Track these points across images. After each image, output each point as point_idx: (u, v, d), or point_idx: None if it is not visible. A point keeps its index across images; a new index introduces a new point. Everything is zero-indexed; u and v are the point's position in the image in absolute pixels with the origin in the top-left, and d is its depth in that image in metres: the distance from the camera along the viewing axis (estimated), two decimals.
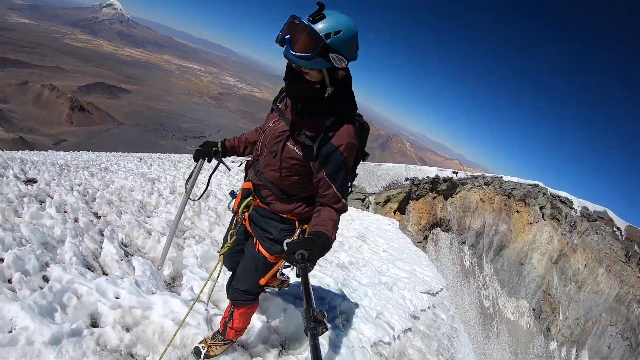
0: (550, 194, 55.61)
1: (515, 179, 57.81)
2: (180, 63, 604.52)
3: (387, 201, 43.00)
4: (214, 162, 3.36)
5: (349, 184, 2.75)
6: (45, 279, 3.76)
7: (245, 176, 3.14)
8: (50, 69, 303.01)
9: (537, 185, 56.47)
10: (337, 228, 2.54)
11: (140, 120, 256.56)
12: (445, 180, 53.10)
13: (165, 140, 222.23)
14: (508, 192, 56.78)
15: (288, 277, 4.13)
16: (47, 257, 4.09)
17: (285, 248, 2.58)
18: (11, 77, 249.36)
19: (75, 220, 5.88)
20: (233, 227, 3.07)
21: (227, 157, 3.35)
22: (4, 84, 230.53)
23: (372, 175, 47.31)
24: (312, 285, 5.89)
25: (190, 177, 3.38)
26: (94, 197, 7.59)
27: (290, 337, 4.12)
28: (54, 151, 27.98)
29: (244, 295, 3.05)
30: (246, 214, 2.96)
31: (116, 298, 3.49)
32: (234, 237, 3.03)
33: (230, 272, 3.34)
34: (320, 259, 8.75)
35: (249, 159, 3.20)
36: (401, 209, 45.29)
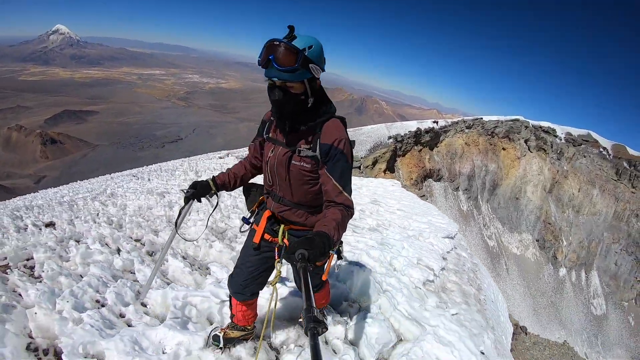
0: (532, 125, 56.25)
1: (495, 118, 58.23)
2: (140, 72, 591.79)
3: (374, 163, 42.82)
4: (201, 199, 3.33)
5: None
6: (143, 305, 4.38)
7: (249, 200, 3.38)
8: (12, 110, 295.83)
9: (517, 120, 57.04)
10: (343, 228, 2.61)
11: (114, 138, 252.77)
12: (427, 131, 53.11)
13: (143, 152, 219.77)
14: (491, 131, 57.17)
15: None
16: (137, 286, 4.71)
17: (331, 251, 2.60)
18: None
19: (120, 249, 6.32)
20: (277, 257, 2.93)
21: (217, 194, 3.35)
22: None
23: (354, 140, 47.60)
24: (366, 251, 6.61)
25: (179, 216, 3.37)
26: (120, 223, 7.99)
27: (361, 292, 4.93)
28: (44, 190, 28.02)
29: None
30: (286, 241, 2.96)
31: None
32: (281, 265, 2.89)
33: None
34: (354, 227, 9.34)
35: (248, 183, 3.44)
36: (390, 168, 45.11)
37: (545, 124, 56.48)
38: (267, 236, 3.10)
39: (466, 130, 57.33)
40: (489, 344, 4.74)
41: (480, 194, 57.21)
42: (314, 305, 1.75)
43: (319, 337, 1.75)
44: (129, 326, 3.86)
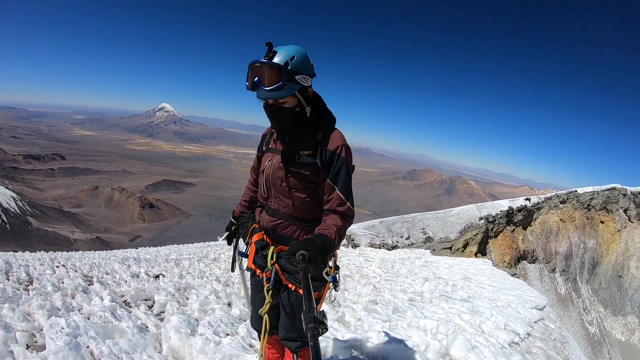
0: (631, 193, 51.83)
1: (590, 189, 54.73)
2: (236, 151, 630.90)
3: (465, 245, 41.21)
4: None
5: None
6: None
7: (243, 232, 3.21)
8: (117, 173, 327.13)
9: (614, 189, 53.00)
10: (342, 236, 2.60)
11: (208, 209, 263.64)
12: (519, 209, 51.00)
13: None
14: (586, 204, 53.64)
15: None
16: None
17: (325, 277, 2.57)
18: (83, 183, 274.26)
19: (231, 303, 7.29)
20: (265, 282, 2.89)
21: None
22: (77, 190, 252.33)
23: (445, 222, 46.62)
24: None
25: (234, 256, 3.41)
26: (227, 283, 8.88)
27: (453, 346, 5.56)
28: (144, 247, 30.02)
29: (303, 339, 2.91)
30: (276, 266, 2.80)
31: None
32: (271, 291, 2.81)
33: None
34: (447, 298, 9.42)
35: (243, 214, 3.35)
36: (482, 250, 42.77)
37: None
38: (258, 271, 3.02)
39: (560, 206, 54.28)
40: None
41: (579, 275, 52.74)
42: (314, 306, 1.74)
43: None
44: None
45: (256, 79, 2.43)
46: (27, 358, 3.37)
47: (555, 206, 54.23)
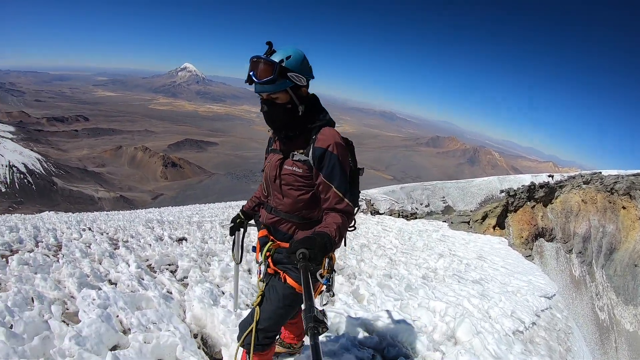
0: None
1: (615, 172, 52.79)
2: (258, 111, 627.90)
3: (484, 218, 40.78)
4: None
5: (356, 189, 2.92)
6: None
7: (258, 227, 3.23)
8: (140, 133, 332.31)
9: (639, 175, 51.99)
10: (343, 234, 2.60)
11: (230, 168, 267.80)
12: (541, 186, 49.18)
13: (256, 185, 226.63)
14: (610, 187, 50.87)
15: (303, 343, 4.03)
16: None
17: (318, 278, 2.40)
18: (106, 143, 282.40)
19: (249, 271, 7.60)
20: (259, 275, 3.09)
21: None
22: (100, 150, 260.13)
23: (465, 192, 46.13)
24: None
25: (233, 247, 3.58)
26: (248, 249, 9.02)
27: (459, 330, 5.70)
28: (167, 207, 30.59)
29: (264, 335, 2.86)
30: (269, 259, 2.90)
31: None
32: (263, 284, 2.97)
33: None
34: (460, 278, 9.47)
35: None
36: (500, 224, 42.29)
37: None
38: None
39: (583, 186, 52.24)
40: None
41: (595, 259, 51.08)
42: (315, 305, 1.74)
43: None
44: None
45: (252, 72, 2.52)
46: (63, 331, 3.65)
47: (578, 186, 52.88)
